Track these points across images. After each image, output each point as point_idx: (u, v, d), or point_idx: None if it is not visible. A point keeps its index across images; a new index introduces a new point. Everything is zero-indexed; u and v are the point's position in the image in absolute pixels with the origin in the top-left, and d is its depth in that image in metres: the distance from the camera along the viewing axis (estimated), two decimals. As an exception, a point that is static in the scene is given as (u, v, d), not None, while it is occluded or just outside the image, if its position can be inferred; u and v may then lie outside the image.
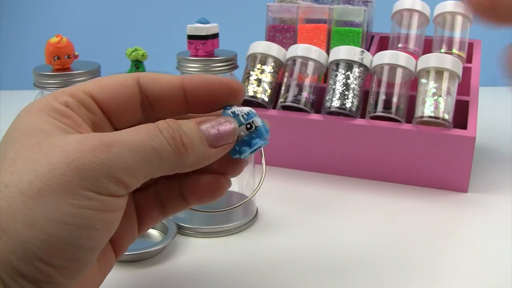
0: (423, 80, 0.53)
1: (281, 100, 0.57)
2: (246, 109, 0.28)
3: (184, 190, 0.30)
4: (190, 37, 0.64)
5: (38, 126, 0.25)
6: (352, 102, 0.54)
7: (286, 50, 0.59)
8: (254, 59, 0.59)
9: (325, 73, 0.60)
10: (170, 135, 0.25)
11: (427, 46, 0.61)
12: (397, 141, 0.53)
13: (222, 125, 0.27)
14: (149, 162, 0.24)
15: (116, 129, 0.29)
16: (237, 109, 0.28)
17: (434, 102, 0.52)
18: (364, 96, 0.56)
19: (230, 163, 0.30)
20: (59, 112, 0.26)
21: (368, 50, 0.63)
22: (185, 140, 0.25)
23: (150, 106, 0.29)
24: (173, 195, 0.31)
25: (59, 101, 0.26)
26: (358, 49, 0.55)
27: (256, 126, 0.28)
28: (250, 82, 0.58)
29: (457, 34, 0.59)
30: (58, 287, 0.23)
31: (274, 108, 0.58)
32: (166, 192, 0.31)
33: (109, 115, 0.28)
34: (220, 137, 0.27)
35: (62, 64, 0.52)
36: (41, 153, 0.23)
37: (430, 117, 0.51)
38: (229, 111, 0.28)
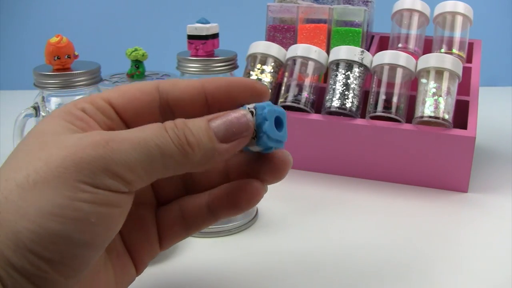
0: (423, 80, 0.53)
1: (281, 100, 0.57)
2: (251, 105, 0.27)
3: (213, 201, 0.30)
4: (190, 37, 0.64)
5: (50, 128, 0.25)
6: (352, 102, 0.54)
7: (286, 50, 0.59)
8: (254, 59, 0.59)
9: (325, 73, 0.60)
10: (174, 134, 0.25)
11: (427, 46, 0.61)
12: (397, 141, 0.53)
13: (233, 117, 0.26)
14: (151, 159, 0.24)
15: None
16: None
17: (434, 102, 0.52)
18: (364, 96, 0.56)
19: (270, 167, 0.29)
20: (75, 116, 0.26)
21: (368, 50, 0.63)
22: (190, 138, 0.25)
23: (170, 112, 0.28)
24: (200, 209, 0.30)
25: (77, 107, 0.26)
26: (358, 49, 0.55)
27: (252, 111, 0.26)
28: (250, 82, 0.58)
29: (457, 34, 0.59)
30: (54, 285, 0.22)
31: (274, 108, 0.58)
32: (192, 207, 0.30)
33: (127, 121, 0.28)
34: (231, 130, 0.26)
35: (62, 64, 0.52)
36: (44, 149, 0.23)
37: (430, 117, 0.51)
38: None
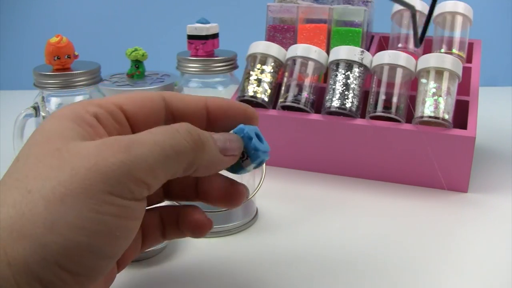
0: (423, 80, 0.53)
1: (281, 100, 0.57)
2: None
3: (181, 217, 0.32)
4: (190, 37, 0.64)
5: (59, 132, 0.25)
6: (352, 102, 0.54)
7: (286, 50, 0.59)
8: (254, 59, 0.59)
9: (325, 73, 0.60)
10: (186, 131, 0.26)
11: (427, 46, 0.61)
12: (397, 141, 0.53)
13: (229, 135, 0.29)
14: (169, 160, 0.25)
15: None
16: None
17: (434, 102, 0.52)
18: (364, 96, 0.56)
19: (229, 192, 0.32)
20: (85, 121, 0.26)
21: (368, 50, 0.63)
22: (201, 135, 0.26)
23: (173, 122, 0.29)
24: (172, 221, 0.32)
25: (88, 111, 0.27)
26: (358, 49, 0.55)
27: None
28: (250, 82, 0.58)
29: (457, 34, 0.59)
30: None
31: (274, 108, 0.58)
32: (168, 216, 0.32)
33: (135, 127, 0.29)
34: (228, 146, 0.28)
35: (62, 64, 0.52)
36: (62, 159, 0.23)
37: (430, 117, 0.51)
38: None
